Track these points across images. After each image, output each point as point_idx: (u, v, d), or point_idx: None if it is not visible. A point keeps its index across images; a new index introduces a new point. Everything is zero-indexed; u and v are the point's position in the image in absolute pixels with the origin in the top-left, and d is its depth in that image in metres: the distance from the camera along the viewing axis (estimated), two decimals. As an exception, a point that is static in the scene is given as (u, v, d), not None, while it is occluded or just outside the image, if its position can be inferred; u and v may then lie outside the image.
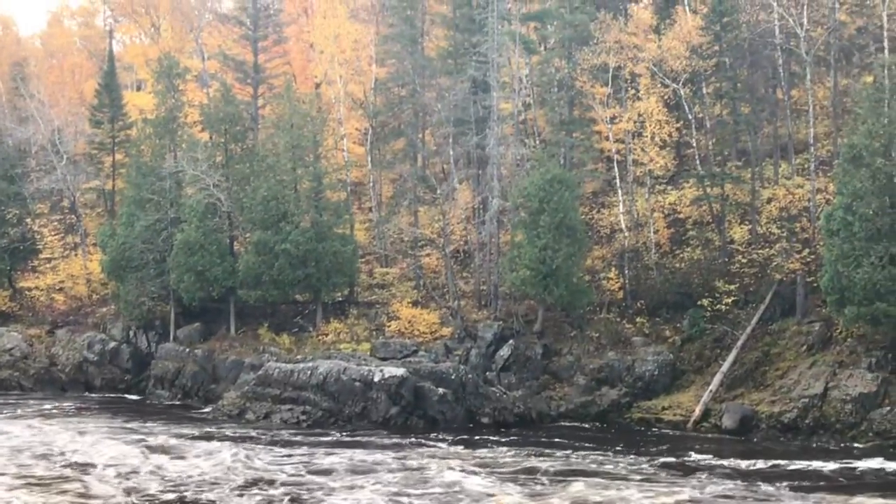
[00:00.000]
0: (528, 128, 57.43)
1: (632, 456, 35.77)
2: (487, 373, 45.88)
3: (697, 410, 42.15)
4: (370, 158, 59.97)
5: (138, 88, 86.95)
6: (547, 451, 36.64)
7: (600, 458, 35.43)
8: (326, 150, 55.39)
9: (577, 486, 30.52)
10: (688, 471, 33.11)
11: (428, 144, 60.64)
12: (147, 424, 42.89)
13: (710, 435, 40.44)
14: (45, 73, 79.60)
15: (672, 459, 35.05)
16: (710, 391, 42.62)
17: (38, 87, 73.98)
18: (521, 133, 55.24)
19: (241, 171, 54.15)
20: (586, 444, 38.24)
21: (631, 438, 39.90)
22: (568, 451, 36.53)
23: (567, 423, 43.66)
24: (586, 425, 43.38)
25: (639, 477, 32.01)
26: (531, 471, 32.97)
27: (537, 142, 54.70)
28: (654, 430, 42.13)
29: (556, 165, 48.12)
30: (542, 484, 30.97)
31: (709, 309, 45.89)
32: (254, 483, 30.92)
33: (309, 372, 44.32)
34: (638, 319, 47.83)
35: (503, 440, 39.33)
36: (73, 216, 69.27)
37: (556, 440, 39.34)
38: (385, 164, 60.29)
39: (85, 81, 77.52)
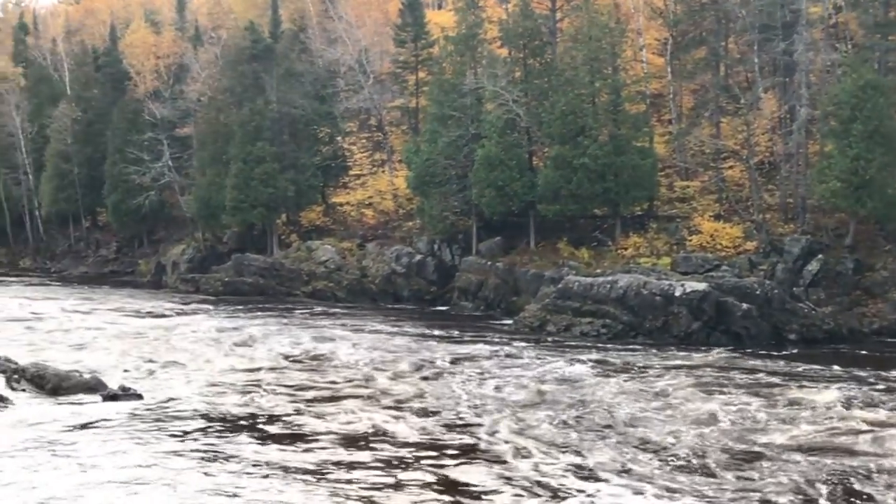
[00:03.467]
0: (839, 32, 54.25)
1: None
2: (794, 288, 44.33)
3: None
4: (670, 69, 58.57)
5: (439, 7, 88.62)
6: (866, 365, 35.17)
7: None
8: (625, 62, 54.60)
9: None
10: None
11: (731, 52, 58.42)
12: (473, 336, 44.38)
13: None
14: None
15: None
16: None
17: (345, 9, 76.65)
18: (832, 37, 52.31)
19: (540, 86, 54.29)
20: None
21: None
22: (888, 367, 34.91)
23: (882, 340, 41.73)
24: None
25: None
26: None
27: (849, 46, 51.63)
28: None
29: (870, 71, 45.27)
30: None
31: None
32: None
33: (608, 286, 44.32)
34: (961, 233, 44.78)
35: (816, 354, 38.13)
36: (379, 134, 71.86)
37: (875, 355, 37.71)
38: (685, 74, 58.59)
39: (389, 2, 79.55)
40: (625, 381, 33.04)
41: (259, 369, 36.18)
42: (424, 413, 28.69)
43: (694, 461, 23.47)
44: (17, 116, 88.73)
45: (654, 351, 39.49)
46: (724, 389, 31.45)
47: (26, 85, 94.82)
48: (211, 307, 56.28)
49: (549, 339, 42.99)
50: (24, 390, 31.20)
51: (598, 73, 51.77)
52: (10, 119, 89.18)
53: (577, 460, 23.64)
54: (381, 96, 70.03)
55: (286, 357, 38.95)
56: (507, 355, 38.43)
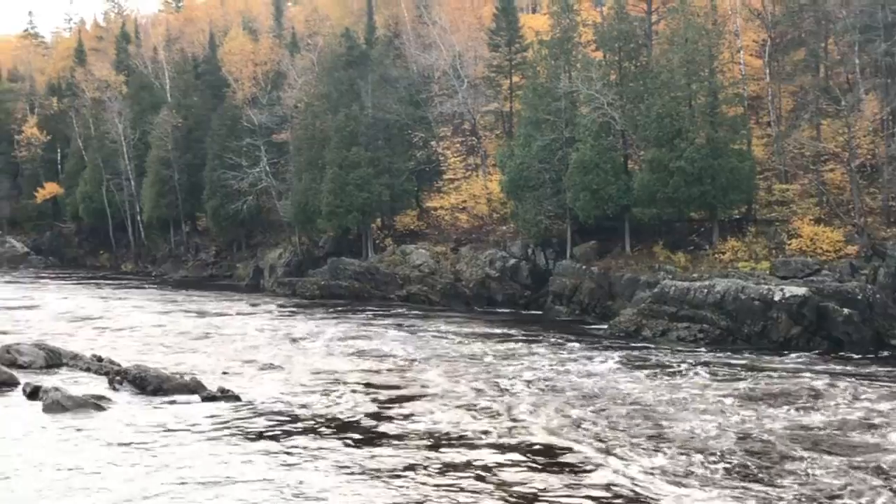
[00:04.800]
0: (944, 30, 52.87)
1: None
2: (897, 293, 43.36)
3: None
4: (768, 71, 57.70)
5: (533, 10, 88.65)
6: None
7: None
8: (722, 64, 53.91)
9: None
10: None
11: (831, 54, 57.36)
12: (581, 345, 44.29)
13: None
14: (446, 0, 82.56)
15: None
16: None
17: (439, 14, 77.02)
18: (937, 36, 51.01)
19: (635, 89, 53.86)
20: None
21: None
22: None
23: None
24: None
25: None
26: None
27: (955, 45, 50.27)
28: None
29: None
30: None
31: None
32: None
33: (706, 290, 43.81)
34: None
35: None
36: (473, 138, 71.97)
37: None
38: (784, 75, 57.69)
39: (483, 6, 79.83)
40: (718, 385, 32.67)
41: (350, 371, 36.56)
42: (511, 417, 28.65)
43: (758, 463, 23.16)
44: (119, 123, 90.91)
45: (750, 355, 38.98)
46: (805, 394, 30.94)
47: (128, 92, 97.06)
48: (307, 310, 56.94)
49: (645, 344, 42.63)
50: (126, 391, 31.91)
51: (695, 75, 51.16)
52: (114, 126, 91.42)
53: (655, 463, 23.56)
54: (474, 100, 70.15)
55: (376, 359, 39.29)
56: (600, 360, 38.22)
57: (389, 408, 30.10)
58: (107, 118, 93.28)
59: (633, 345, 42.38)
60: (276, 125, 76.15)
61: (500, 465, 23.58)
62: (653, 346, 42.12)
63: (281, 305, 59.99)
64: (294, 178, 71.12)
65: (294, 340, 44.89)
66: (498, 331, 47.30)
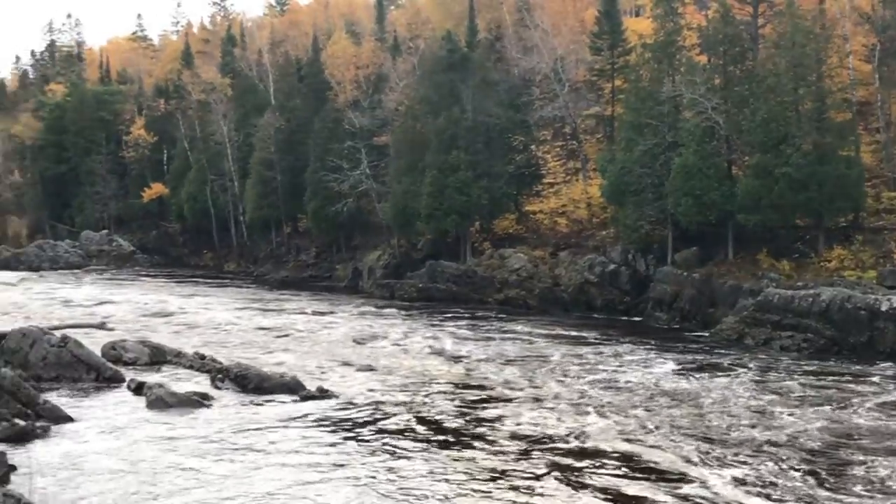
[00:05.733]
0: None
1: None
2: None
3: None
4: (877, 76, 56.32)
5: (637, 14, 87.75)
6: None
7: None
8: (830, 69, 52.76)
9: None
10: None
11: (944, 58, 55.84)
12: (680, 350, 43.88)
13: None
14: (548, 3, 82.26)
15: None
16: None
17: (541, 17, 76.74)
18: None
19: (740, 94, 52.97)
20: None
21: None
22: None
23: None
24: None
25: None
26: None
27: None
28: None
29: None
30: None
31: None
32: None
33: (811, 299, 42.91)
34: None
35: None
36: (574, 142, 71.56)
37: None
38: (894, 81, 56.29)
39: (585, 10, 79.24)
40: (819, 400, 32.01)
41: (443, 372, 36.93)
42: (598, 424, 28.46)
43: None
44: (224, 125, 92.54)
45: (855, 366, 38.08)
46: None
47: (233, 95, 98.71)
48: (403, 312, 57.14)
49: (747, 352, 41.89)
50: (227, 389, 32.44)
51: (802, 79, 50.15)
52: (218, 128, 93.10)
53: (742, 472, 23.29)
54: (576, 104, 69.74)
55: (469, 361, 39.43)
56: (699, 368, 37.78)
57: (479, 409, 30.30)
58: (212, 120, 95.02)
59: (734, 353, 41.67)
60: (377, 128, 76.67)
61: (583, 472, 23.50)
62: (754, 354, 41.35)
63: (378, 307, 60.29)
64: (393, 180, 71.47)
65: (389, 341, 45.17)
66: (595, 336, 46.95)
